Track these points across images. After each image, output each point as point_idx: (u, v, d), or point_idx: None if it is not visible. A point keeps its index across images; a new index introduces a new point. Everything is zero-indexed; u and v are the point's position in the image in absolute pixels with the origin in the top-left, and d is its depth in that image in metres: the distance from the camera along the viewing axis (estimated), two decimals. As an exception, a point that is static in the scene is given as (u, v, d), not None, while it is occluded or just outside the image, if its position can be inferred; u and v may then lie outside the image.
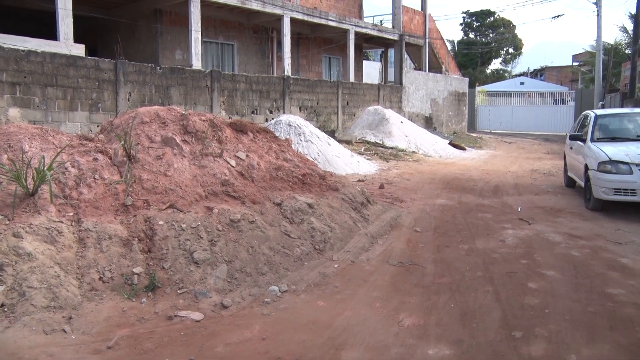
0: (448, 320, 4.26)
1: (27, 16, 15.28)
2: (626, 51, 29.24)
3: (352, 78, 21.21)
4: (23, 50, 10.59)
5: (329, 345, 3.85)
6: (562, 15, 31.35)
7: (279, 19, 17.90)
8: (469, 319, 4.27)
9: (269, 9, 17.31)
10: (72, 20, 11.95)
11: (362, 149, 16.47)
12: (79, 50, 11.91)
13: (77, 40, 12.13)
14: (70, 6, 11.89)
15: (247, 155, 6.57)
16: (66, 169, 5.38)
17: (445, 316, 4.35)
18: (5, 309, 4.00)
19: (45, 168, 5.00)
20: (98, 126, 10.79)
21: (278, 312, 4.46)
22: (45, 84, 10.88)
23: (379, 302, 4.67)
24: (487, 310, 4.46)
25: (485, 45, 54.60)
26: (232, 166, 6.29)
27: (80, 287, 4.43)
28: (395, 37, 23.86)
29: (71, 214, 5.00)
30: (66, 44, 11.75)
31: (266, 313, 4.44)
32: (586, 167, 8.73)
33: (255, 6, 16.90)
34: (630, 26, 26.40)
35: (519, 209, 8.67)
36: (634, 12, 21.34)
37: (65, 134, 6.33)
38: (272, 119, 15.47)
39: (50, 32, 12.16)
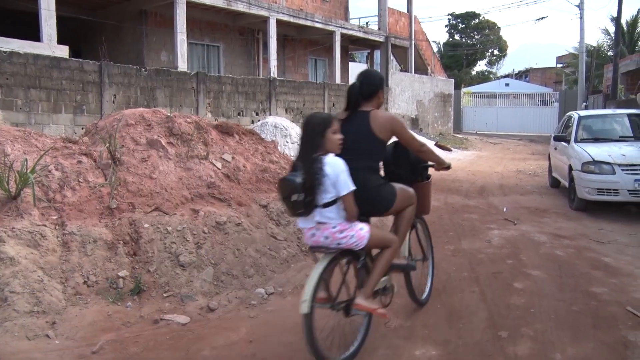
0: (434, 321, 4.27)
1: (9, 17, 15.10)
2: (608, 53, 29.59)
3: (338, 80, 21.23)
4: (5, 52, 10.46)
5: (316, 347, 3.84)
6: (546, 17, 31.70)
7: (264, 20, 17.88)
8: (455, 320, 4.29)
9: (254, 11, 17.30)
10: (55, 21, 11.84)
11: (349, 150, 16.48)
12: (63, 51, 11.80)
13: (60, 41, 12.01)
14: (53, 7, 11.77)
15: (233, 158, 6.54)
16: (50, 172, 5.32)
17: (432, 317, 4.36)
18: (-12, 315, 3.94)
19: (28, 171, 4.93)
20: (82, 129, 10.69)
21: (265, 315, 4.45)
22: (28, 86, 10.76)
23: (365, 303, 4.66)
24: (474, 310, 4.48)
25: (470, 47, 54.98)
26: (218, 168, 6.26)
27: (64, 291, 4.38)
28: (381, 39, 23.94)
29: (55, 217, 4.94)
30: (49, 45, 11.64)
31: (253, 315, 4.43)
32: (570, 168, 8.83)
33: (241, 7, 16.88)
34: (612, 28, 26.75)
35: (505, 210, 8.74)
36: (615, 15, 21.61)
37: (48, 136, 6.26)
38: (258, 120, 15.42)
39: (33, 33, 12.02)
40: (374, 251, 3.70)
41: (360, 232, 3.40)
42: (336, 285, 3.52)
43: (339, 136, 3.39)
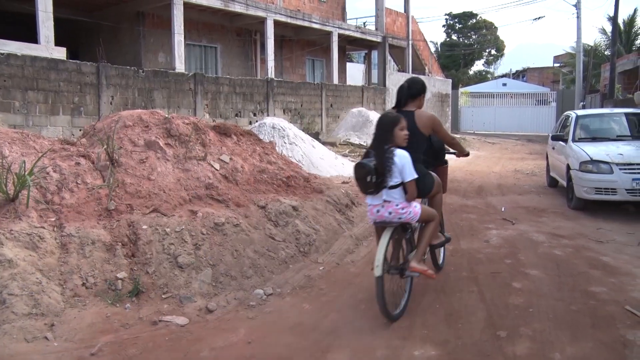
0: (433, 321, 4.28)
1: (6, 19, 15.08)
2: (605, 52, 29.64)
3: (335, 80, 21.24)
4: (2, 54, 10.45)
5: (315, 348, 3.85)
6: (542, 17, 31.79)
7: (262, 21, 17.88)
8: (454, 320, 4.29)
9: (252, 12, 17.30)
10: (53, 23, 11.83)
11: (347, 150, 16.50)
12: (60, 53, 11.78)
13: (58, 43, 12.00)
14: (51, 9, 11.76)
15: (231, 159, 6.54)
16: (48, 173, 5.32)
17: (431, 317, 4.37)
18: (-14, 317, 3.93)
19: (26, 173, 4.93)
20: (80, 130, 10.67)
21: (263, 316, 4.45)
22: (25, 88, 10.74)
23: (364, 303, 4.67)
24: (472, 310, 4.49)
25: (467, 47, 55.07)
26: (216, 169, 6.26)
27: (62, 293, 4.37)
28: (379, 39, 23.95)
29: (53, 219, 4.94)
30: (47, 47, 11.62)
31: (251, 317, 4.43)
32: (568, 167, 8.83)
33: (239, 8, 16.88)
34: (609, 28, 26.80)
35: (503, 209, 8.74)
36: (612, 14, 21.64)
37: (46, 138, 6.25)
38: (256, 121, 15.41)
39: (30, 35, 12.01)
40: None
41: (415, 209, 4.28)
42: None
43: (405, 132, 4.24)
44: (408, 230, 4.50)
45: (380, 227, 4.40)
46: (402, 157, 4.13)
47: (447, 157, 5.46)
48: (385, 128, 4.23)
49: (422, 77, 26.98)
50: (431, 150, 4.96)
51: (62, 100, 11.37)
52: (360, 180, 4.19)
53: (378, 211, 4.27)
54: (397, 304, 4.38)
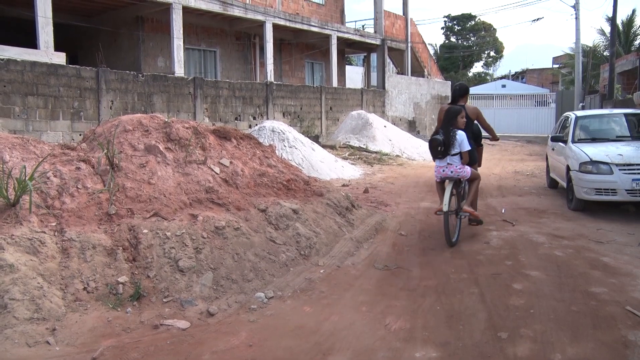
0: (434, 323, 4.28)
1: (5, 24, 15.11)
2: (604, 53, 29.67)
3: (335, 83, 21.26)
4: (2, 59, 10.47)
5: (316, 351, 3.85)
6: (541, 18, 31.83)
7: (261, 25, 17.91)
8: (455, 321, 4.30)
9: (250, 15, 17.33)
10: (52, 28, 11.86)
11: (346, 153, 16.52)
12: (60, 58, 11.81)
13: (57, 48, 12.03)
14: (50, 14, 11.79)
15: (231, 162, 6.55)
16: (48, 178, 5.32)
17: (432, 319, 4.37)
18: (-13, 322, 3.93)
19: (27, 178, 4.94)
20: (80, 135, 10.70)
21: (264, 319, 4.45)
22: (25, 93, 10.76)
23: (365, 306, 4.68)
24: (473, 312, 4.49)
25: (466, 49, 55.18)
26: (216, 173, 6.27)
27: (64, 297, 4.38)
28: (378, 42, 23.99)
29: (54, 224, 4.95)
30: (46, 52, 11.64)
31: (253, 320, 4.43)
32: (568, 168, 8.83)
33: (237, 12, 16.91)
34: (607, 29, 26.81)
35: (503, 211, 8.74)
36: (610, 15, 21.65)
37: (47, 143, 6.27)
38: (256, 125, 15.45)
39: (30, 40, 12.04)
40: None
41: (467, 170, 6.53)
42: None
43: (464, 120, 6.52)
44: (461, 185, 6.67)
45: (442, 182, 6.62)
46: (461, 135, 6.36)
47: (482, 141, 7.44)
48: (452, 116, 6.45)
49: (421, 79, 27.13)
50: (471, 134, 6.75)
51: (62, 105, 11.39)
52: (433, 149, 6.44)
53: (443, 170, 6.50)
54: (453, 234, 6.48)
